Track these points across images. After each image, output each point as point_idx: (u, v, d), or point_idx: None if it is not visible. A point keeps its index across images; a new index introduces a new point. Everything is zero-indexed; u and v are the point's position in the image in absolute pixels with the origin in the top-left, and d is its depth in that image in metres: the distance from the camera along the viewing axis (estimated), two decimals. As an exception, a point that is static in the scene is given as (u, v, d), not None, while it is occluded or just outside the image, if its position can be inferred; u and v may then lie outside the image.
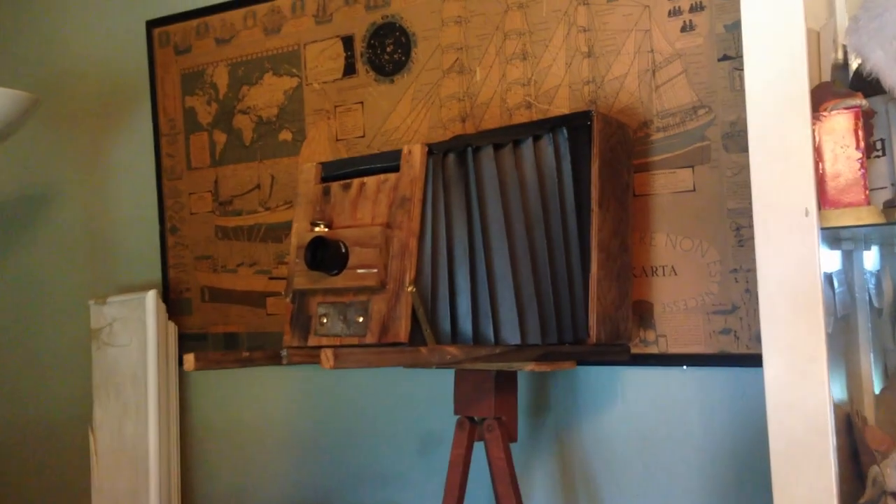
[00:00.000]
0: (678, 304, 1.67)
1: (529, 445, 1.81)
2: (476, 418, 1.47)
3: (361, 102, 2.01)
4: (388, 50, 1.96)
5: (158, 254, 2.31)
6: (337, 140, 2.03)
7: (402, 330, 1.18)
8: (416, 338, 1.22)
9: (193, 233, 2.25)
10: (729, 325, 1.62)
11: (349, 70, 2.02)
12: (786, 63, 1.12)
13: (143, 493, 2.11)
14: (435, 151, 1.30)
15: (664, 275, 1.68)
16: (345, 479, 2.07)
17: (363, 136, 2.01)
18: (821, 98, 1.21)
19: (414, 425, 1.97)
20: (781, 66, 1.13)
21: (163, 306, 2.19)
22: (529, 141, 1.37)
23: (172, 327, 2.23)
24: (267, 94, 2.13)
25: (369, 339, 1.20)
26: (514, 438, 1.45)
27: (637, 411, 1.73)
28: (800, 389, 1.10)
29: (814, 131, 1.16)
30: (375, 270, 1.19)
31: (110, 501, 2.18)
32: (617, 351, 1.53)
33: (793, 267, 1.11)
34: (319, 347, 1.25)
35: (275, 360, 1.27)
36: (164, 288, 2.29)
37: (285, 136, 2.11)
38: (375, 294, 1.21)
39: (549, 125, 1.40)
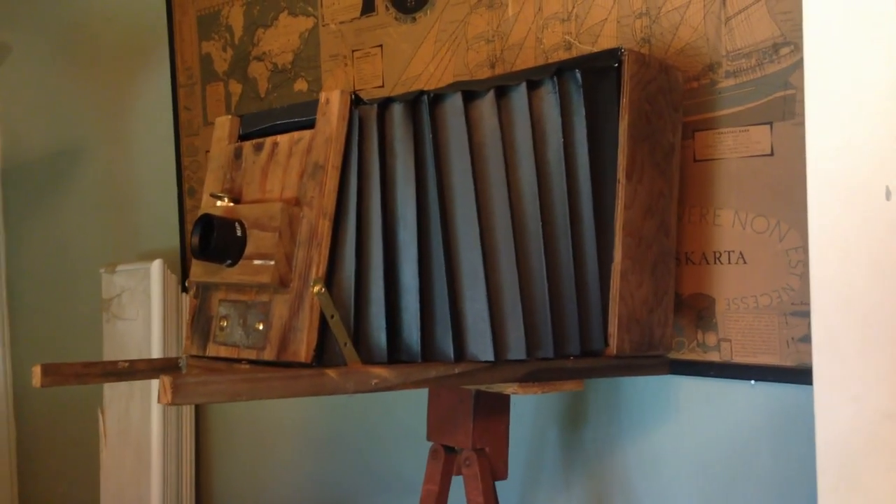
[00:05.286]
0: (747, 301, 1.30)
1: (564, 463, 1.49)
2: (457, 448, 1.16)
3: (381, 46, 1.70)
4: (409, -19, 1.64)
5: (177, 218, 2.09)
6: (354, 91, 1.74)
7: (303, 345, 0.87)
8: (330, 354, 0.91)
9: (210, 196, 2.02)
10: (812, 332, 1.24)
11: (368, 7, 1.71)
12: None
13: (146, 481, 1.91)
14: (366, 102, 0.96)
15: (730, 262, 1.31)
16: (367, 483, 1.82)
17: (382, 87, 1.70)
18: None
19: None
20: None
21: (173, 278, 1.97)
22: (521, 88, 1.02)
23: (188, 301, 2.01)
24: (282, 38, 1.86)
25: (268, 355, 0.90)
26: (500, 475, 1.12)
27: (693, 431, 1.38)
28: (870, 462, 0.74)
29: (910, 71, 0.77)
30: (272, 262, 0.89)
31: (116, 486, 2.00)
32: (648, 365, 1.17)
33: (864, 274, 0.74)
34: (218, 359, 0.97)
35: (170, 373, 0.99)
36: (183, 256, 2.07)
37: (301, 85, 1.83)
38: (278, 294, 0.91)
39: (554, 68, 1.04)
